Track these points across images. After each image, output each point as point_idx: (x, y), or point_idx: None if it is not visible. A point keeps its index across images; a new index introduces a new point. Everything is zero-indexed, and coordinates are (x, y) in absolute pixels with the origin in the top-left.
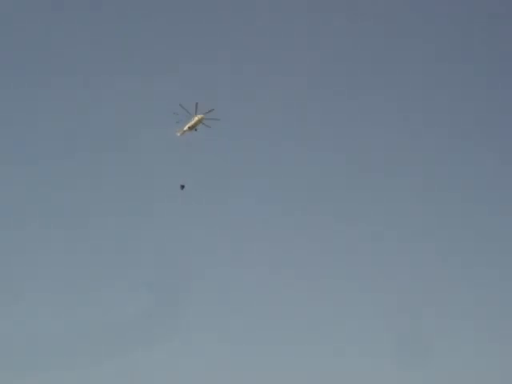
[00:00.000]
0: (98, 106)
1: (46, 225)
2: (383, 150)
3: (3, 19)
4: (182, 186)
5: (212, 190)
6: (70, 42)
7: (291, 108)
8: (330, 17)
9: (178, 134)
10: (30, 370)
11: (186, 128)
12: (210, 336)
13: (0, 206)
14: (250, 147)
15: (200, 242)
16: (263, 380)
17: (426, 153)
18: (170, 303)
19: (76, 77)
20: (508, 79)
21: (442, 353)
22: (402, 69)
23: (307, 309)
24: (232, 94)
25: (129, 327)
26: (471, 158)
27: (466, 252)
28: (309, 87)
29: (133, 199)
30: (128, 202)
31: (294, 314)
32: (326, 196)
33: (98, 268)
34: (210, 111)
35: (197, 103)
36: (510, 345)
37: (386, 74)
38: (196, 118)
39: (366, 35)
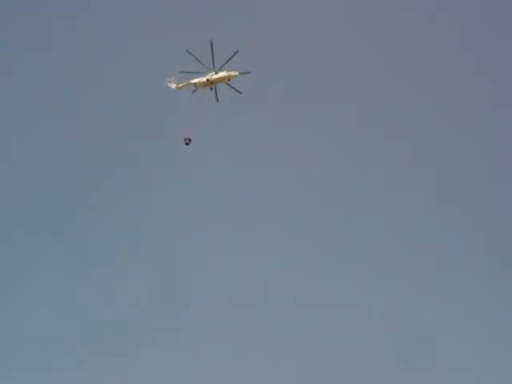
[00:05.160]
0: None
1: (45, 224)
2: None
3: None
4: (188, 141)
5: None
6: None
7: None
8: None
9: (173, 86)
10: (30, 370)
11: (196, 81)
12: (210, 336)
13: (0, 205)
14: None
15: (202, 240)
16: (263, 380)
17: (429, 151)
18: (171, 303)
19: None
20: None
21: (442, 353)
22: None
23: (306, 309)
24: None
25: (129, 327)
26: (474, 156)
27: (466, 251)
28: None
29: (132, 196)
30: (127, 199)
31: (294, 314)
32: (326, 195)
33: (98, 267)
34: (244, 73)
35: (236, 52)
36: (510, 344)
37: None
38: (225, 74)
39: None
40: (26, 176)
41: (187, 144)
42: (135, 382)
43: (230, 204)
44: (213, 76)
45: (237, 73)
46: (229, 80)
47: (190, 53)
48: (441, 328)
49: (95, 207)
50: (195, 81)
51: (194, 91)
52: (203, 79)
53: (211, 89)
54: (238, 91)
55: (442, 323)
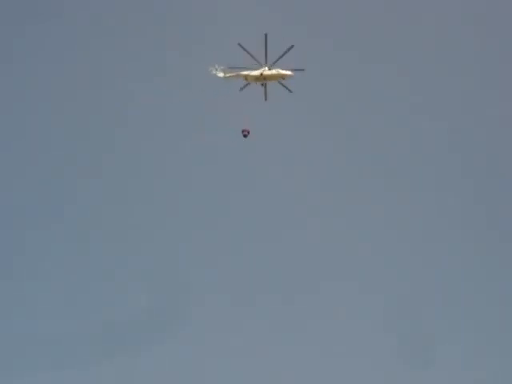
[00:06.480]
0: None
1: (45, 224)
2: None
3: None
4: (247, 132)
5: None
6: None
7: None
8: None
9: (221, 75)
10: (30, 370)
11: (247, 73)
12: (210, 336)
13: (0, 205)
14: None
15: (202, 240)
16: (264, 380)
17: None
18: (171, 303)
19: None
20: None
21: (442, 353)
22: None
23: (307, 309)
24: None
25: (129, 327)
26: (474, 155)
27: (467, 251)
28: None
29: (133, 196)
30: (128, 199)
31: (294, 314)
32: (324, 193)
33: (98, 267)
34: (298, 70)
35: (292, 46)
36: (510, 344)
37: None
38: (280, 72)
39: None
40: (25, 174)
41: (245, 136)
42: (135, 381)
43: (231, 204)
44: (266, 71)
45: (291, 72)
46: (283, 79)
47: (242, 46)
48: (441, 328)
49: (95, 206)
50: (246, 73)
51: (241, 89)
52: (256, 73)
53: (262, 84)
54: (289, 90)
55: (441, 323)
